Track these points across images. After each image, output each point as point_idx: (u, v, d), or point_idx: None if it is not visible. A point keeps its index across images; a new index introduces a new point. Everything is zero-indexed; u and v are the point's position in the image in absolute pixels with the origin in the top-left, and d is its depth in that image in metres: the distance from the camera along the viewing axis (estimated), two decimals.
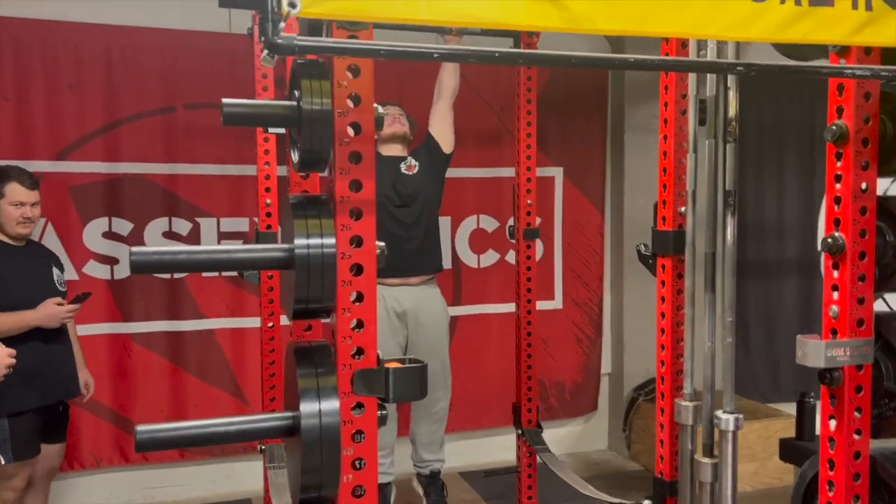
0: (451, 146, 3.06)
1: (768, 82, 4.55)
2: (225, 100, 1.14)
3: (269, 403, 2.79)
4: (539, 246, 4.35)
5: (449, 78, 3.02)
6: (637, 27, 0.94)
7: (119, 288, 3.66)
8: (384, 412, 1.22)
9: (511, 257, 4.29)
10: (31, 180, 2.89)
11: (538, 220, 4.29)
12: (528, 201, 3.04)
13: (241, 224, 3.85)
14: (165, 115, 3.69)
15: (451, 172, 3.88)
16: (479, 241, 4.25)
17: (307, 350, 1.18)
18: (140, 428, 1.12)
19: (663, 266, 2.07)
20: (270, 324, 2.78)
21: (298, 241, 1.10)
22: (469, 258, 4.23)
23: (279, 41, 0.89)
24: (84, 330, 3.55)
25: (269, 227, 2.73)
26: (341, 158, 1.18)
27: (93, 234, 3.61)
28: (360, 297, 1.19)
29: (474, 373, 4.21)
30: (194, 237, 3.76)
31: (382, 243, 1.22)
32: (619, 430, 4.52)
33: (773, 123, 4.65)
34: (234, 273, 3.11)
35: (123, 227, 3.66)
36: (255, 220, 3.83)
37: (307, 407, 1.10)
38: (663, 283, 2.07)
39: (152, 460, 3.77)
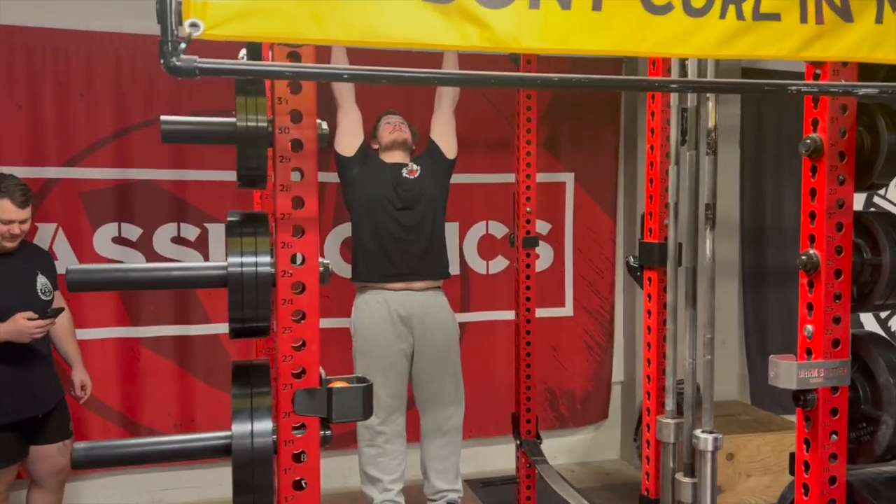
0: (454, 152, 3.04)
1: None
2: (163, 117, 1.14)
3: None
4: (549, 252, 4.32)
5: (448, 86, 3.00)
6: (562, 45, 0.91)
7: (128, 292, 3.70)
8: (328, 433, 1.21)
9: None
10: (24, 197, 2.79)
11: (548, 227, 4.34)
12: (528, 209, 3.00)
13: None
14: None
15: (460, 178, 3.87)
16: (488, 248, 4.22)
17: (246, 368, 1.17)
18: (77, 446, 1.12)
19: (650, 279, 2.02)
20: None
21: (232, 259, 1.10)
22: (478, 264, 4.20)
23: (178, 63, 0.88)
24: (93, 334, 3.62)
25: None
26: (282, 175, 1.17)
27: (103, 239, 3.66)
28: (302, 316, 1.18)
29: (481, 380, 4.17)
30: (202, 242, 3.80)
31: (327, 260, 1.21)
32: (631, 440, 4.44)
33: (792, 127, 4.54)
34: None
35: (133, 232, 3.71)
36: None
37: (239, 427, 1.09)
38: (649, 296, 2.02)
39: (162, 464, 3.82)
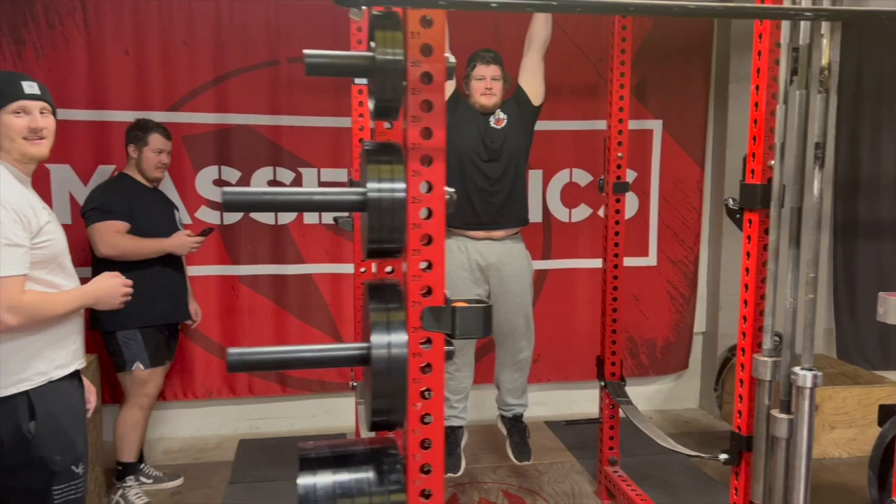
0: (541, 98, 3.05)
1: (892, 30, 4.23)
2: (306, 51, 1.23)
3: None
4: (634, 201, 4.30)
5: (539, 29, 3.00)
6: None
7: (228, 233, 3.91)
8: (451, 348, 1.30)
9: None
10: (167, 133, 3.32)
11: (634, 175, 4.30)
12: (619, 154, 3.00)
13: (340, 175, 4.00)
14: (270, 69, 3.86)
15: (545, 125, 3.88)
16: (572, 196, 4.23)
17: (380, 287, 1.27)
18: (231, 350, 1.25)
19: (750, 221, 2.03)
20: (363, 269, 2.90)
21: (371, 185, 1.18)
22: (560, 212, 4.23)
23: None
24: (197, 271, 3.84)
25: None
26: (413, 107, 1.24)
27: (204, 181, 3.86)
28: (429, 240, 1.26)
29: (561, 326, 4.25)
30: (297, 185, 3.95)
31: (452, 189, 1.28)
32: (710, 390, 4.45)
33: (894, 73, 4.34)
34: (333, 220, 3.25)
35: (232, 175, 3.89)
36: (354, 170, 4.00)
37: (378, 339, 1.19)
38: (749, 237, 2.03)
39: (258, 393, 4.06)
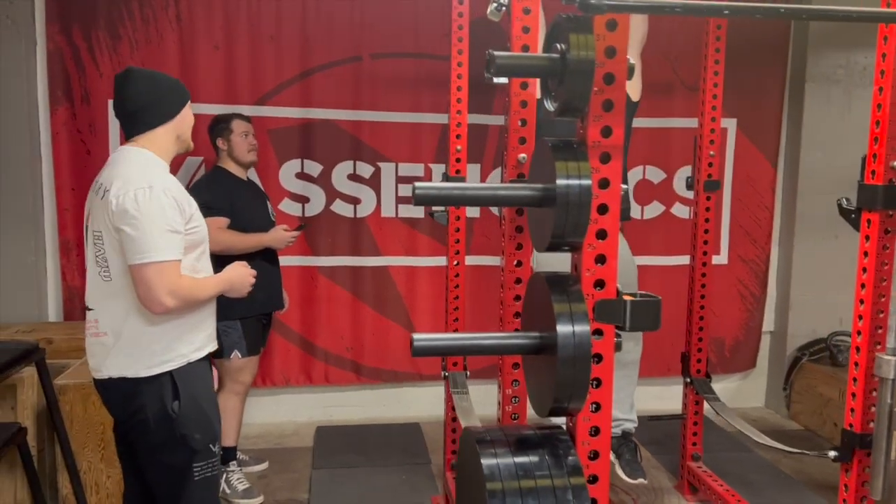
0: (639, 94, 3.07)
1: None
2: (496, 52, 1.28)
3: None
4: None
5: (636, 25, 3.03)
6: None
7: (309, 224, 3.99)
8: (619, 339, 1.36)
9: (677, 210, 4.28)
10: (246, 116, 3.45)
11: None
12: (711, 153, 3.03)
13: (417, 169, 4.07)
14: (353, 65, 3.93)
15: None
16: (645, 193, 4.26)
17: (557, 280, 1.33)
18: (416, 336, 1.31)
19: (868, 221, 2.05)
20: (456, 262, 2.97)
21: (560, 182, 1.24)
22: (633, 209, 4.25)
23: (592, 1, 1.01)
24: (280, 261, 3.93)
25: (458, 171, 2.90)
26: (595, 106, 1.29)
27: (287, 174, 3.95)
28: (603, 234, 1.32)
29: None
30: (375, 181, 4.03)
31: (626, 185, 1.33)
32: (778, 389, 4.46)
33: None
34: (429, 214, 3.32)
35: (314, 168, 3.97)
36: (431, 166, 4.07)
37: (563, 328, 1.24)
38: (867, 237, 2.05)
39: (332, 382, 4.16)
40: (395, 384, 4.24)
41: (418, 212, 4.09)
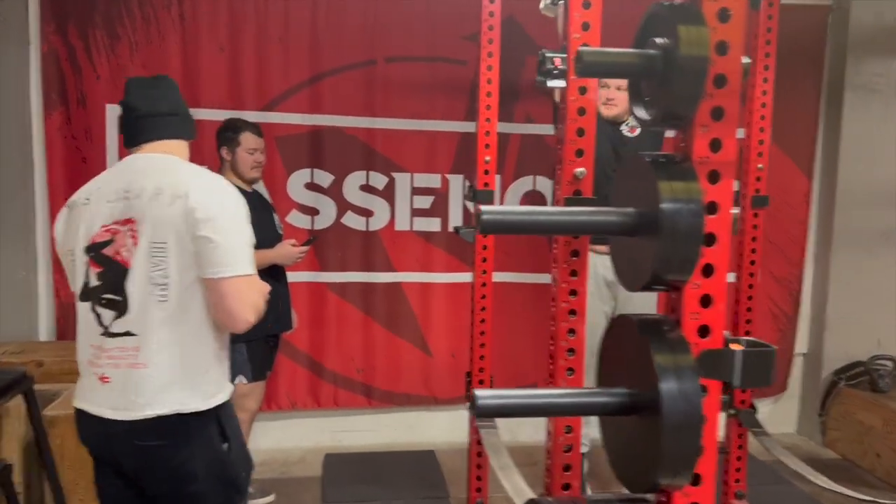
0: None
1: None
2: (583, 48, 1.05)
3: (479, 361, 2.75)
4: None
5: None
6: None
7: (319, 238, 3.75)
8: (726, 397, 1.11)
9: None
10: (259, 130, 3.14)
11: (736, 185, 4.08)
12: (759, 165, 2.80)
13: (433, 180, 3.84)
14: (366, 69, 3.70)
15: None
16: None
17: (650, 325, 1.09)
18: (479, 393, 1.07)
19: None
20: (483, 282, 2.73)
21: (666, 206, 1.00)
22: None
23: None
24: (287, 277, 3.69)
25: (486, 184, 2.66)
26: (702, 114, 1.06)
27: (296, 184, 3.72)
28: (710, 270, 1.08)
29: None
30: (389, 191, 3.80)
31: (736, 210, 1.09)
32: (812, 415, 4.22)
33: None
34: (454, 230, 3.07)
35: (324, 178, 3.74)
36: (448, 176, 3.84)
37: (667, 385, 1.00)
38: None
39: (341, 405, 3.91)
40: (408, 408, 3.99)
41: (434, 225, 3.86)
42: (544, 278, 3.91)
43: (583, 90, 1.62)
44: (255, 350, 3.01)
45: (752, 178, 2.81)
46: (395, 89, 3.73)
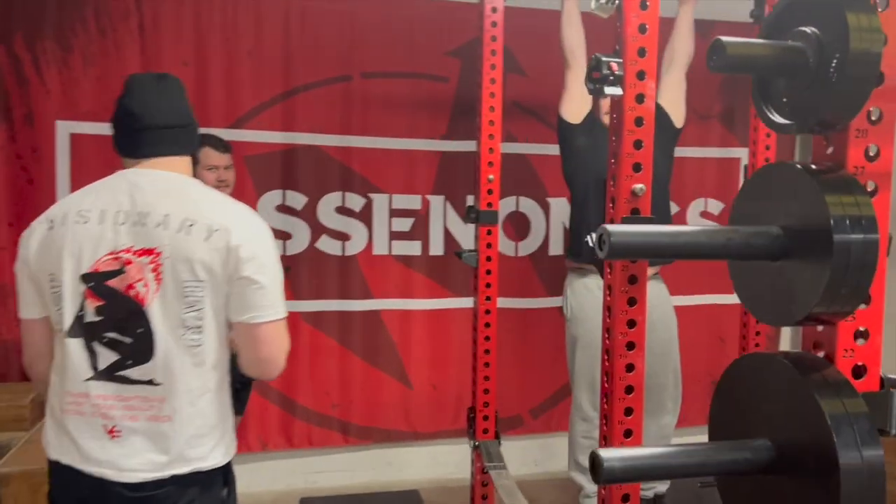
0: (683, 119, 2.76)
1: None
2: (725, 39, 0.88)
3: (483, 395, 2.55)
4: None
5: (682, 43, 2.71)
6: None
7: (290, 264, 3.49)
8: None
9: None
10: (223, 144, 2.86)
11: (720, 207, 4.03)
12: None
13: (413, 201, 3.64)
14: (342, 84, 3.50)
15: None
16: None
17: (802, 363, 0.92)
18: (604, 454, 0.88)
19: None
20: (487, 309, 2.54)
21: (837, 224, 0.83)
22: None
23: None
24: None
25: (489, 204, 2.49)
26: (860, 117, 0.90)
27: (267, 206, 3.46)
28: (868, 299, 0.92)
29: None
30: (367, 214, 3.58)
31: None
32: None
33: None
34: (455, 254, 2.87)
35: (297, 200, 3.50)
36: (429, 198, 3.65)
37: (845, 440, 0.83)
38: None
39: (316, 444, 3.64)
40: (388, 444, 3.74)
41: (414, 249, 3.66)
42: (524, 303, 3.79)
43: (640, 98, 1.46)
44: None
45: None
46: (373, 106, 3.54)
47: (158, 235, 1.45)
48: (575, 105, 2.71)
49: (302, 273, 3.52)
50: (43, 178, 3.19)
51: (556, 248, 3.83)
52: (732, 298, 3.61)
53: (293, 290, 3.52)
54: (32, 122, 3.17)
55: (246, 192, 3.40)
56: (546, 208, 3.80)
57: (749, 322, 2.78)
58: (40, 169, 3.19)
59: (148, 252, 1.45)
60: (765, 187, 0.95)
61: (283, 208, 3.48)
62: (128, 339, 1.43)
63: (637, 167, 1.45)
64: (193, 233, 1.45)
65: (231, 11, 3.33)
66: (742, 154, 4.04)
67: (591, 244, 1.63)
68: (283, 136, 3.45)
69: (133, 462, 1.43)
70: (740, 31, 3.80)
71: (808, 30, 0.89)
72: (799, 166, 0.89)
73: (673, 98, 2.74)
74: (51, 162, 3.19)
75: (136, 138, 1.53)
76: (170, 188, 1.51)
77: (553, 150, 3.46)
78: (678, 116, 2.76)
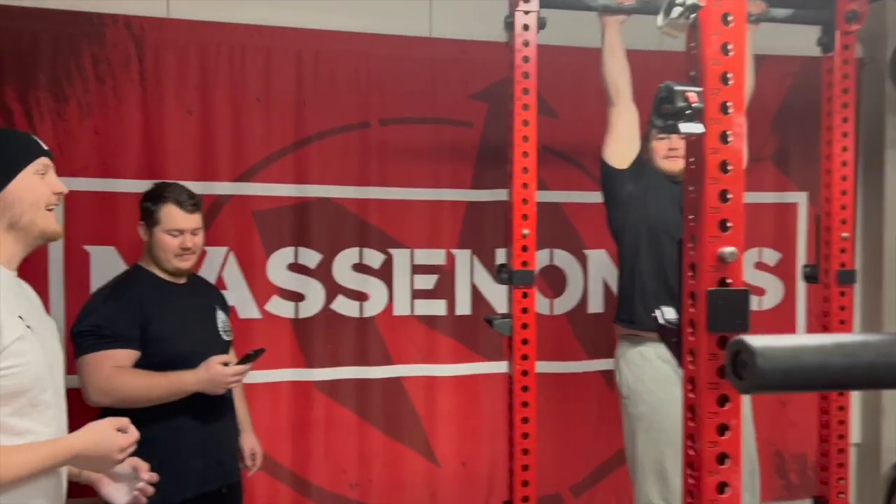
0: (746, 161, 2.42)
1: None
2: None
3: (522, 472, 2.17)
4: (778, 288, 3.64)
5: (746, 78, 2.39)
6: None
7: (303, 328, 3.18)
8: None
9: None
10: (192, 202, 2.38)
11: (777, 257, 3.66)
12: (844, 234, 2.35)
13: (437, 256, 3.32)
14: (358, 132, 3.22)
15: None
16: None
17: None
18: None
19: None
20: (524, 370, 2.17)
21: None
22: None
23: None
24: (264, 376, 3.08)
25: (524, 263, 2.15)
26: None
27: (277, 266, 3.16)
28: None
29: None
30: (386, 271, 3.27)
31: None
32: None
33: None
34: (486, 320, 2.51)
35: (311, 258, 3.19)
36: (454, 252, 3.33)
37: None
38: None
39: None
40: None
41: (438, 308, 3.33)
42: (561, 367, 3.42)
43: (725, 137, 1.13)
44: None
45: (836, 249, 2.36)
46: (392, 154, 3.25)
47: None
48: (621, 147, 2.40)
49: (316, 338, 3.20)
50: None
51: (596, 305, 3.48)
52: None
53: (306, 357, 3.20)
54: None
55: (254, 250, 3.12)
56: (583, 261, 3.46)
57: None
58: None
59: None
60: None
61: (296, 267, 3.18)
62: None
63: (723, 225, 1.11)
64: None
65: (238, 55, 3.09)
66: (800, 199, 3.71)
67: (660, 321, 1.29)
68: (294, 189, 3.16)
69: None
70: (790, 65, 3.55)
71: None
72: None
73: None
74: None
75: None
76: None
77: (589, 197, 3.17)
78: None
